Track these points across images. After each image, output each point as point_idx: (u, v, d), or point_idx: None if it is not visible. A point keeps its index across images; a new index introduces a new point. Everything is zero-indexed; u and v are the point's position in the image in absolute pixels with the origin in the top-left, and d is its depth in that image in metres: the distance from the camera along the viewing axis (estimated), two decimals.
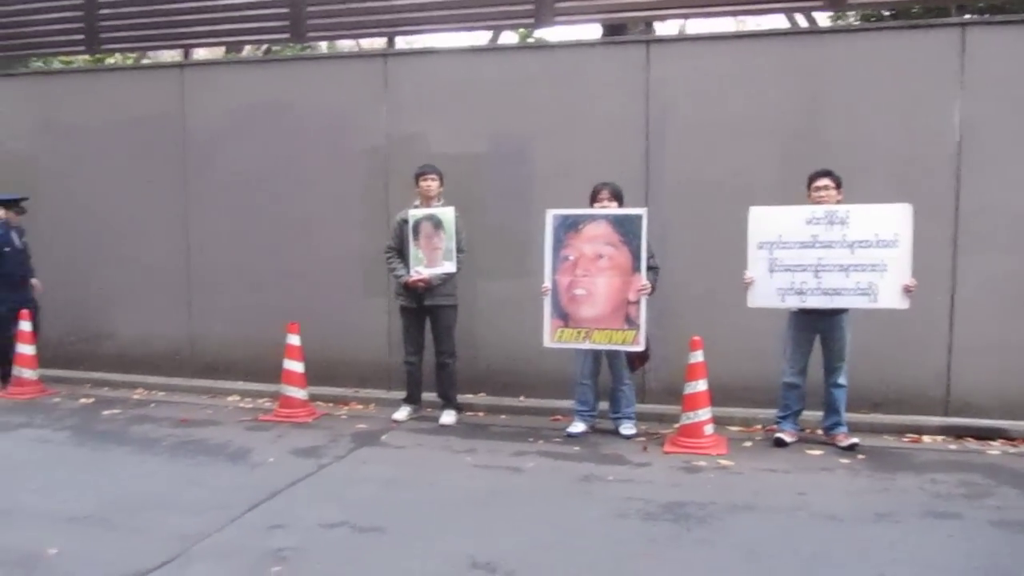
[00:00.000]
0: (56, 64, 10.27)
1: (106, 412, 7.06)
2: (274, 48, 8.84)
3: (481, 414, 6.87)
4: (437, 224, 6.34)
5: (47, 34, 8.66)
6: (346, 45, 10.52)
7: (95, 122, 8.23)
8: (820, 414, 5.87)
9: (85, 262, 8.36)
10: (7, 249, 7.70)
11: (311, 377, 6.98)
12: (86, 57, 9.42)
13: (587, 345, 5.94)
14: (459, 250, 6.39)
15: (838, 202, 5.57)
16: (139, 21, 8.29)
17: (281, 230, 7.68)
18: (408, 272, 6.37)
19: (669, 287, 6.26)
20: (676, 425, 5.94)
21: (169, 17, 8.19)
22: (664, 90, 6.64)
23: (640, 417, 6.25)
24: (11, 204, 7.80)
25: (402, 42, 8.13)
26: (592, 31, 8.00)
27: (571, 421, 6.22)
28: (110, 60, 8.96)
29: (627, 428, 6.09)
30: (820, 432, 5.91)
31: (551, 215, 5.94)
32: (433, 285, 6.38)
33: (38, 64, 9.47)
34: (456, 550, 3.79)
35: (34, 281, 7.98)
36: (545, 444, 5.90)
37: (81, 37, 8.51)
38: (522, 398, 7.02)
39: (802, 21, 6.99)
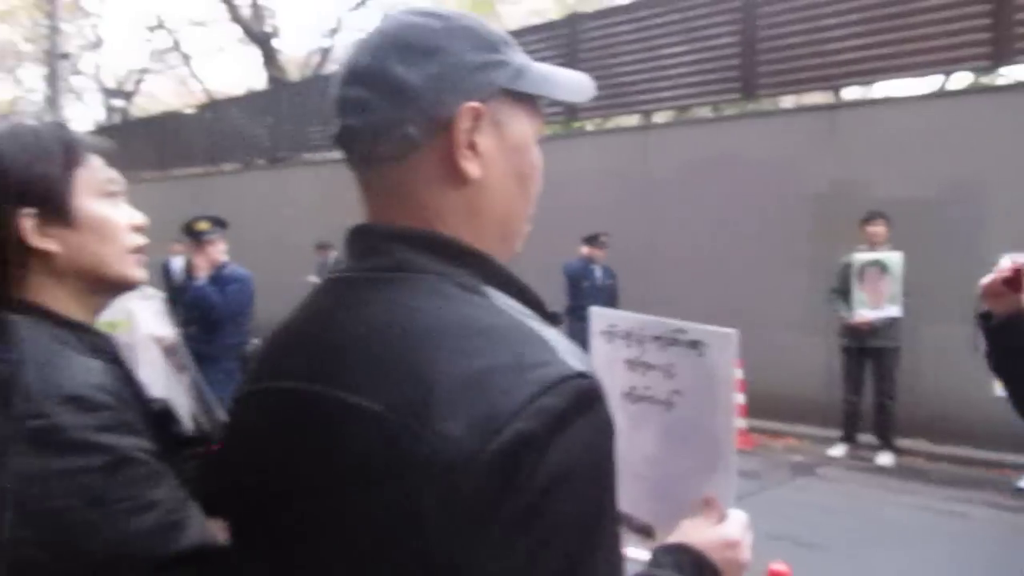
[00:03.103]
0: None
1: None
2: (720, 106, 9.69)
3: (920, 460, 6.84)
4: (883, 268, 6.55)
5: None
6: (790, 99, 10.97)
7: (573, 177, 9.72)
8: None
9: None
10: (585, 283, 8.52)
11: (749, 408, 7.54)
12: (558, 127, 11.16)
13: None
14: (904, 294, 6.52)
15: None
16: (605, 92, 9.66)
17: (729, 270, 8.39)
18: (852, 314, 6.66)
19: None
20: None
21: (631, 87, 9.42)
22: None
23: None
24: (593, 240, 8.50)
25: (847, 91, 8.43)
26: None
27: (1021, 475, 5.98)
28: (575, 125, 10.51)
29: None
30: None
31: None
32: (876, 327, 6.58)
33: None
34: None
35: None
36: (991, 495, 5.79)
37: (561, 111, 10.17)
38: (965, 448, 6.84)
39: None
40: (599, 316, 1.17)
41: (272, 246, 11.97)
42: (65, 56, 16.12)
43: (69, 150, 1.13)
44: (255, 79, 21.06)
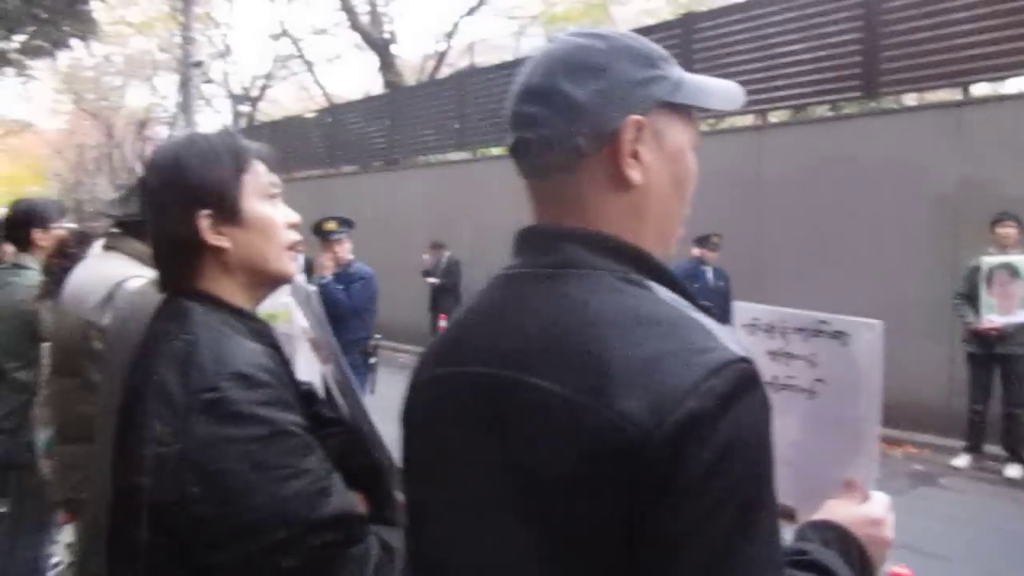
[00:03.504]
0: None
1: None
2: (839, 105, 9.46)
3: None
4: (1014, 272, 6.27)
5: None
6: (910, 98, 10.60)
7: None
8: None
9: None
10: (696, 284, 8.21)
11: None
12: None
13: None
14: None
15: None
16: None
17: (846, 271, 8.15)
18: (979, 319, 6.41)
19: None
20: None
21: (746, 86, 9.21)
22: None
23: None
24: (704, 241, 8.28)
25: (976, 87, 8.10)
26: None
27: None
28: None
29: None
30: None
31: None
32: (1005, 333, 6.32)
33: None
34: None
35: None
36: None
37: None
38: None
39: None
40: (742, 310, 1.25)
41: (388, 245, 12.35)
42: (197, 64, 16.99)
43: (238, 157, 1.29)
44: (372, 84, 21.73)
